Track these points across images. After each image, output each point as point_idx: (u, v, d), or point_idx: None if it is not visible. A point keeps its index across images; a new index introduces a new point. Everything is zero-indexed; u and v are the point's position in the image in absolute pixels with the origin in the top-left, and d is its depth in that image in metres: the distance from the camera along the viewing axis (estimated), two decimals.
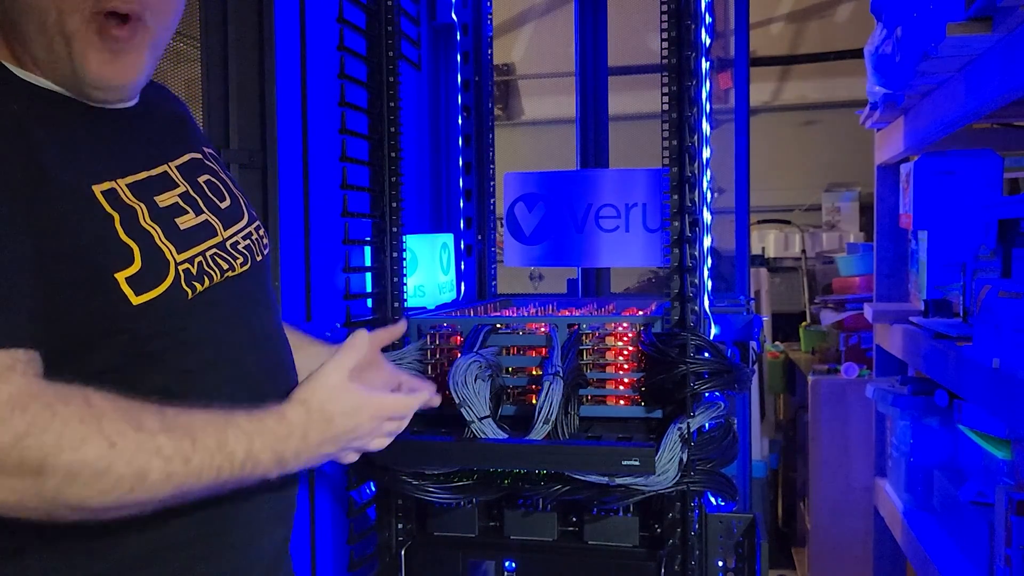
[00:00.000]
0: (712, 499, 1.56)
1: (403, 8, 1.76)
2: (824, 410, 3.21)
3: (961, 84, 1.58)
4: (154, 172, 1.02)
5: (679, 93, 1.50)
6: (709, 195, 1.60)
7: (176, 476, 0.85)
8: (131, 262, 0.92)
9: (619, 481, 1.46)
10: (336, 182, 1.62)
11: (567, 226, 1.99)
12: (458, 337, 1.62)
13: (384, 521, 1.67)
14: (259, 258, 1.11)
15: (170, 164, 1.05)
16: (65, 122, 0.96)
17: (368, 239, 1.68)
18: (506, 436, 1.46)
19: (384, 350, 1.64)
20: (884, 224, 2.47)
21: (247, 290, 1.07)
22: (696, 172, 1.50)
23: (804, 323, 3.86)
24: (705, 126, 1.57)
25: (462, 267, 2.17)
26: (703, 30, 1.55)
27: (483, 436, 1.46)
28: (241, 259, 1.06)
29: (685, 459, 1.45)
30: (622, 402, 1.54)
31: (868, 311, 2.45)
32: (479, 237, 2.18)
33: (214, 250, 1.02)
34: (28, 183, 0.88)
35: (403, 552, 1.63)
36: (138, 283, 0.92)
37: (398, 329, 1.37)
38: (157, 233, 0.96)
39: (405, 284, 1.71)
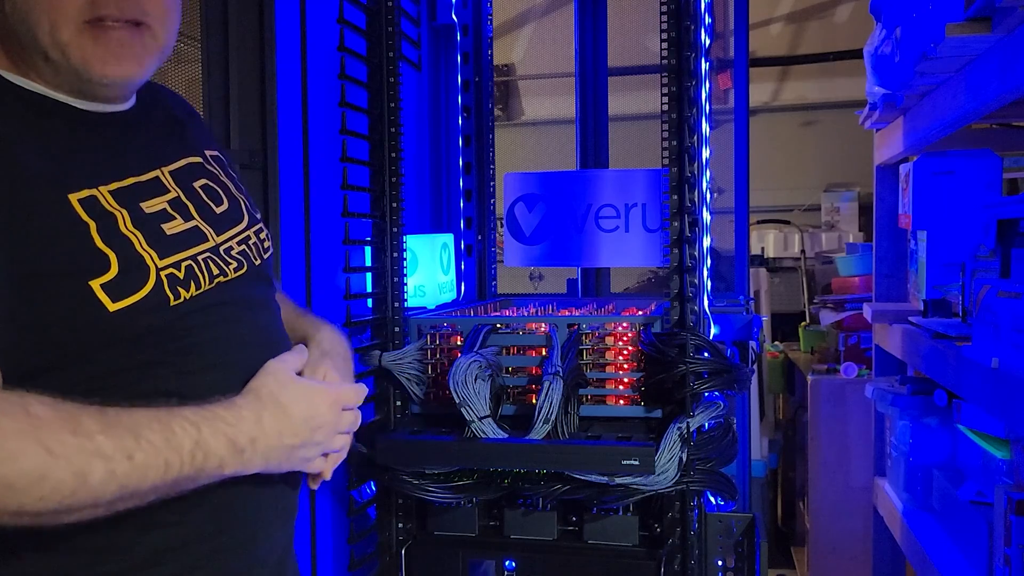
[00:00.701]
0: (712, 499, 1.56)
1: (403, 9, 1.76)
2: (823, 410, 3.22)
3: (960, 84, 1.58)
4: (143, 178, 1.01)
5: (679, 93, 1.50)
6: (709, 195, 1.61)
7: (119, 475, 0.84)
8: (107, 269, 0.91)
9: (619, 480, 1.46)
10: (336, 182, 1.63)
11: (567, 226, 1.99)
12: (458, 337, 1.62)
13: (384, 520, 1.67)
14: (257, 262, 1.11)
15: (163, 169, 1.05)
16: (50, 131, 0.96)
17: (368, 239, 1.69)
18: (506, 436, 1.46)
19: (383, 350, 1.66)
20: (883, 224, 2.47)
21: (243, 295, 1.06)
22: (696, 172, 1.51)
23: (803, 323, 3.86)
24: (705, 126, 1.57)
25: (462, 267, 2.18)
26: (703, 31, 1.56)
27: (483, 436, 1.46)
28: (235, 264, 1.06)
29: (685, 459, 1.46)
30: (622, 402, 1.54)
31: (867, 311, 2.45)
32: (479, 237, 2.18)
33: (206, 254, 1.02)
34: (3, 196, 0.87)
35: (403, 551, 1.64)
36: (114, 290, 0.91)
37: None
38: (137, 239, 0.95)
39: (405, 284, 1.71)
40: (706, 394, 1.49)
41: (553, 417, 1.44)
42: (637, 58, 3.76)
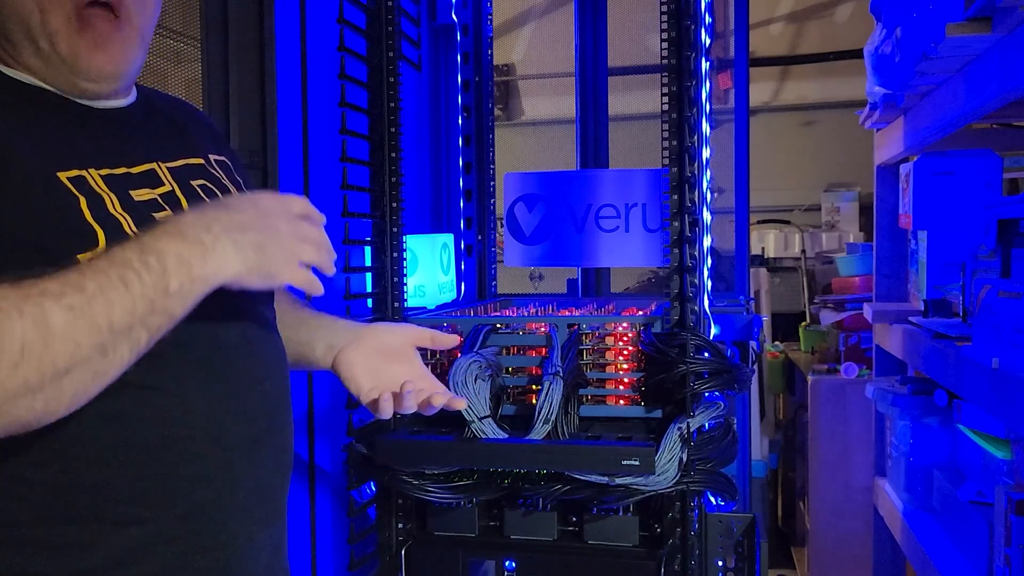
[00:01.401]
0: (712, 499, 1.56)
1: (403, 9, 1.76)
2: (824, 410, 3.22)
3: (960, 84, 1.58)
4: (135, 170, 1.01)
5: (679, 93, 1.50)
6: (709, 195, 1.61)
7: (79, 308, 0.80)
8: (95, 244, 0.90)
9: (619, 481, 1.46)
10: (336, 182, 1.63)
11: (567, 226, 1.99)
12: (458, 337, 1.62)
13: (384, 521, 1.67)
14: None
15: (160, 164, 1.04)
16: (41, 115, 0.96)
17: (368, 239, 1.69)
18: (506, 436, 1.46)
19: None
20: (884, 224, 2.47)
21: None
22: (696, 172, 1.51)
23: (804, 323, 3.86)
24: (705, 126, 1.57)
25: (462, 267, 2.18)
26: (703, 30, 1.56)
27: (483, 436, 1.46)
28: None
29: (685, 459, 1.46)
30: (622, 402, 1.54)
31: (868, 311, 2.45)
32: (479, 237, 2.18)
33: None
34: None
35: (403, 551, 1.64)
36: None
37: (447, 339, 1.38)
38: (127, 221, 0.94)
39: (405, 284, 1.71)
40: (706, 394, 1.49)
41: (553, 417, 1.44)
42: (637, 58, 3.76)
